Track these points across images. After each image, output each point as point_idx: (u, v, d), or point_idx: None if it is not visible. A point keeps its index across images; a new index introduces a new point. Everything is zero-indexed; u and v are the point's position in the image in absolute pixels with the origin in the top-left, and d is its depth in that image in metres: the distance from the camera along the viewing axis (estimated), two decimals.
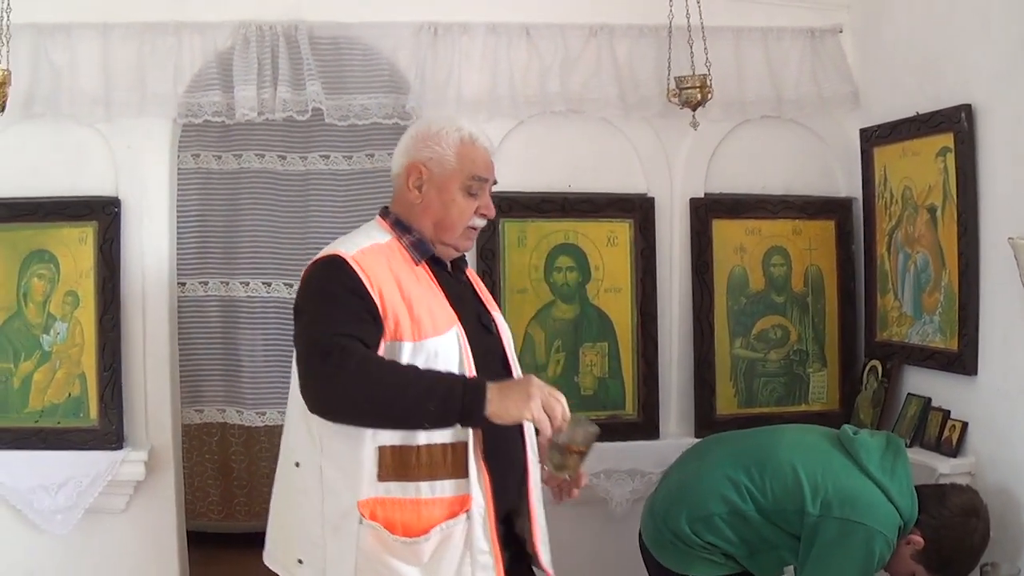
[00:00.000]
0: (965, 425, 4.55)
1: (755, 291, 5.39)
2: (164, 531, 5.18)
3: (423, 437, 3.08)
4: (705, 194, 5.37)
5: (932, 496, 3.96)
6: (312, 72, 5.06)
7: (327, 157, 6.15)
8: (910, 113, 4.87)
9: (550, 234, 5.21)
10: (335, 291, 3.08)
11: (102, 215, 4.99)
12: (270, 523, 3.47)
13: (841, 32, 5.46)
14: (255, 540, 7.55)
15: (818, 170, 5.50)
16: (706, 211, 5.33)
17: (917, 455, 4.60)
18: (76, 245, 4.99)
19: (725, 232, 5.34)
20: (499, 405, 2.90)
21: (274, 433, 7.66)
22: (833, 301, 5.45)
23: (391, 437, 3.07)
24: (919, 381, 4.95)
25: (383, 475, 3.08)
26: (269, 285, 6.21)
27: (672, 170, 5.36)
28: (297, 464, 3.22)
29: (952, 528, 3.87)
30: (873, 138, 5.20)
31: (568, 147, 5.31)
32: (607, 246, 5.23)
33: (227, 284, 6.32)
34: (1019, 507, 4.22)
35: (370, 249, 3.20)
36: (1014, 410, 4.29)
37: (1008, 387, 4.34)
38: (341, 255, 3.13)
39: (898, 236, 5.03)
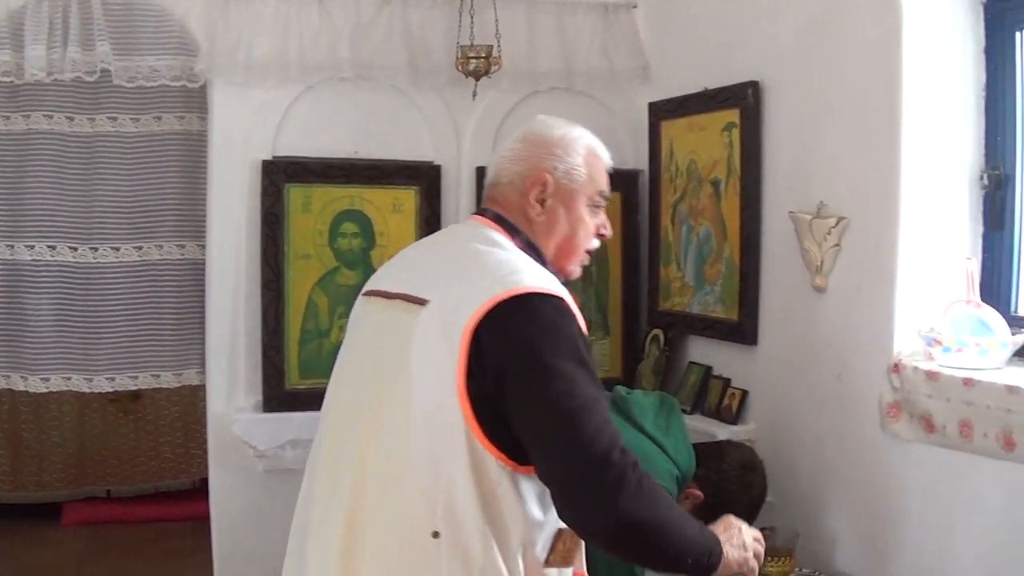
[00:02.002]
0: (745, 393, 4.48)
1: None
2: None
3: None
4: None
5: (710, 452, 3.82)
6: (102, 32, 4.75)
7: (115, 119, 5.74)
8: (698, 89, 4.74)
9: (335, 200, 4.91)
10: (583, 356, 2.42)
11: None
12: None
13: (635, 7, 5.28)
14: (45, 511, 7.43)
15: (606, 142, 5.04)
16: None
17: (698, 422, 4.53)
18: None
19: None
20: (726, 564, 2.53)
21: (64, 401, 7.35)
22: (617, 270, 5.26)
23: None
24: (700, 350, 4.85)
25: (553, 560, 2.54)
26: (54, 248, 5.75)
27: (460, 139, 5.13)
28: (436, 534, 2.40)
29: (731, 482, 3.73)
30: (661, 112, 5.06)
31: (356, 114, 5.03)
32: (392, 213, 4.97)
33: (12, 248, 5.85)
34: (797, 473, 4.14)
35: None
36: (793, 379, 4.22)
37: (787, 356, 4.26)
38: (565, 299, 2.48)
39: (682, 208, 4.90)
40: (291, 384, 4.85)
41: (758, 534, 2.69)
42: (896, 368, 3.61)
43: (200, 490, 7.25)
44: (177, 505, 7.64)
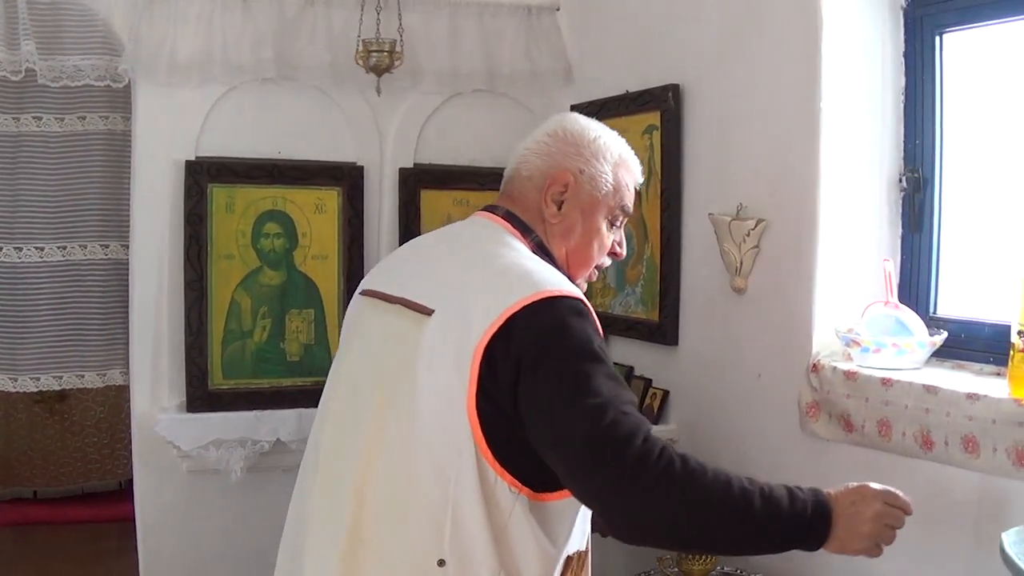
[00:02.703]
0: (666, 393, 4.41)
1: None
2: None
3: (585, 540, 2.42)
4: (415, 164, 5.05)
5: None
6: (27, 32, 4.60)
7: (40, 119, 5.63)
8: (620, 91, 4.66)
9: (258, 200, 4.78)
10: (597, 353, 2.19)
11: None
12: None
13: (558, 10, 5.18)
14: None
15: None
16: (415, 181, 5.02)
17: None
18: None
19: (433, 202, 5.03)
20: (843, 540, 2.18)
21: None
22: None
23: (580, 542, 2.37)
24: (622, 350, 4.76)
25: None
26: None
27: (383, 140, 5.03)
28: (442, 563, 2.17)
29: None
30: (583, 114, 4.74)
31: (279, 114, 4.90)
32: (315, 213, 4.85)
33: None
34: None
35: None
36: (713, 379, 4.16)
37: (707, 357, 4.20)
38: (579, 298, 2.26)
39: None
40: (214, 384, 4.71)
41: (891, 515, 2.25)
42: (815, 368, 3.54)
43: (126, 491, 7.17)
44: (103, 506, 7.49)
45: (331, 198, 4.86)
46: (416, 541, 2.19)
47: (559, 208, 2.49)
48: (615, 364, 4.48)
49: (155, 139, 4.76)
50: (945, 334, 3.37)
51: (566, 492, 2.21)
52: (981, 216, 3.50)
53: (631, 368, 4.63)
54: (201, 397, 4.69)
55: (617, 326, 4.73)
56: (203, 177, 4.69)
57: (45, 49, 4.71)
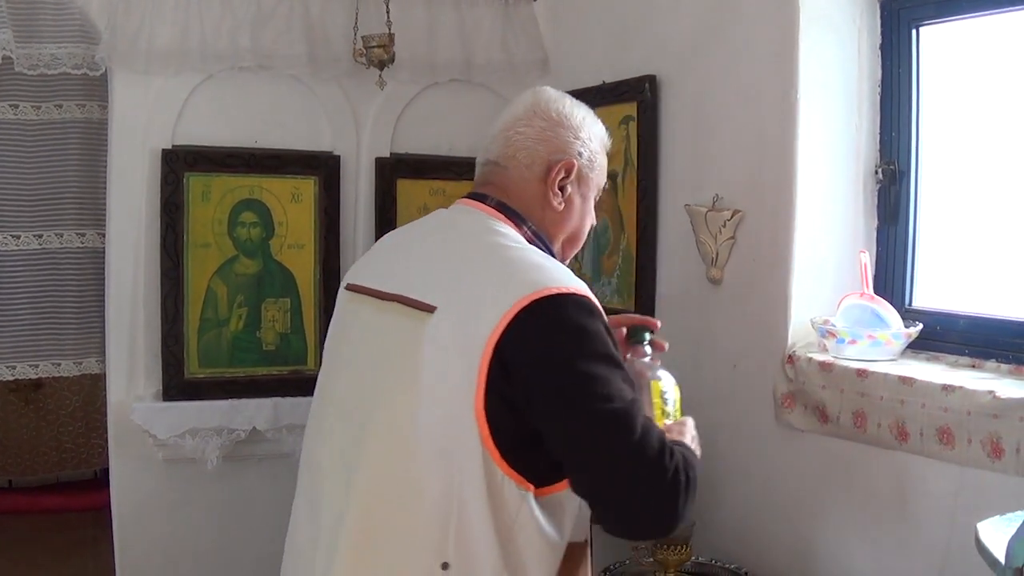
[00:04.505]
0: None
1: None
2: None
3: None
4: (391, 154, 5.00)
5: None
6: (4, 20, 4.54)
7: (16, 106, 5.54)
8: (597, 82, 4.61)
9: (235, 189, 4.72)
10: (614, 355, 2.14)
11: None
12: None
13: (535, 0, 5.12)
14: None
15: None
16: (391, 171, 4.96)
17: None
18: None
19: (409, 192, 4.97)
20: None
21: None
22: None
23: (583, 531, 2.35)
24: None
25: (562, 573, 2.29)
26: None
27: (359, 129, 4.96)
28: (446, 566, 2.11)
29: None
30: None
31: (256, 103, 4.83)
32: (291, 202, 4.79)
33: None
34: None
35: None
36: (688, 370, 3.98)
37: (683, 347, 4.02)
38: (588, 295, 2.18)
39: None
40: (190, 373, 4.65)
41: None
42: (791, 359, 3.53)
43: (102, 480, 7.12)
44: (79, 495, 7.45)
45: (307, 187, 4.81)
46: (420, 544, 2.13)
47: (563, 194, 2.42)
48: None
49: (132, 127, 4.70)
50: (920, 326, 3.37)
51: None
52: (957, 208, 3.49)
53: None
54: (177, 386, 4.64)
55: None
56: (180, 165, 4.63)
57: (22, 37, 4.64)
